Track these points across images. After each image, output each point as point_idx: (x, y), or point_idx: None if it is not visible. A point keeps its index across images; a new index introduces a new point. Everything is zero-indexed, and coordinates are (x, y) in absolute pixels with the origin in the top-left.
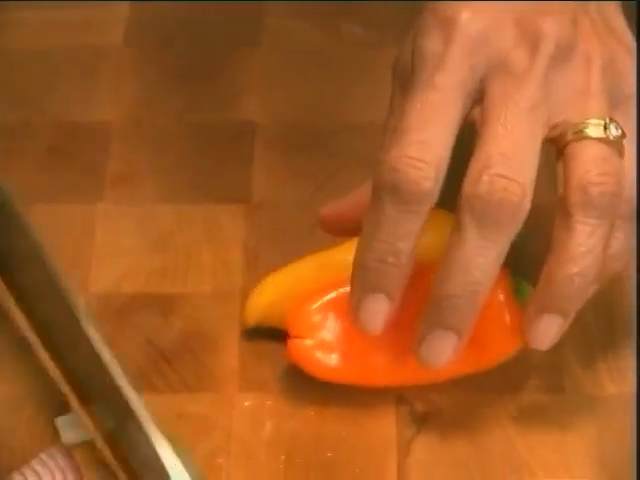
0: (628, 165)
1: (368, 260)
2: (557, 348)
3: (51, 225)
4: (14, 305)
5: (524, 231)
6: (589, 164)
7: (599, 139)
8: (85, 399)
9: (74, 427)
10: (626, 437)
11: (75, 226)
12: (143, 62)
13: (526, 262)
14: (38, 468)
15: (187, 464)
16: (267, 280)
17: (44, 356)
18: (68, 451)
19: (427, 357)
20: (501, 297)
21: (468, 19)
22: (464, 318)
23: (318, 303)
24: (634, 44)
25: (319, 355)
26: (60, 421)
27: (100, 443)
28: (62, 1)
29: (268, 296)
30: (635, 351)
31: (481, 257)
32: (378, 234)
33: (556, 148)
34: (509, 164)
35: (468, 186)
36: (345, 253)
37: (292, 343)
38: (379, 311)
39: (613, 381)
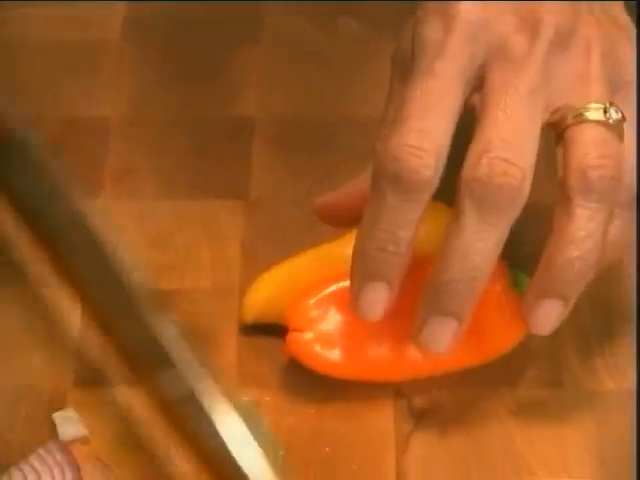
0: (628, 150)
1: (369, 249)
2: (556, 343)
3: None
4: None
5: (521, 219)
6: (589, 147)
7: (599, 122)
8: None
9: (72, 423)
10: (625, 432)
11: None
12: (142, 59)
13: (522, 254)
14: (36, 464)
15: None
16: (264, 277)
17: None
18: (66, 447)
19: (427, 343)
20: (499, 289)
21: (468, 7)
22: (463, 303)
23: (317, 297)
24: (634, 32)
25: (318, 349)
26: (58, 417)
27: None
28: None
29: (265, 293)
30: (635, 350)
31: (480, 242)
32: (379, 223)
33: (556, 132)
34: (509, 149)
35: (468, 170)
36: (343, 247)
37: (291, 337)
38: (379, 299)
39: (612, 376)
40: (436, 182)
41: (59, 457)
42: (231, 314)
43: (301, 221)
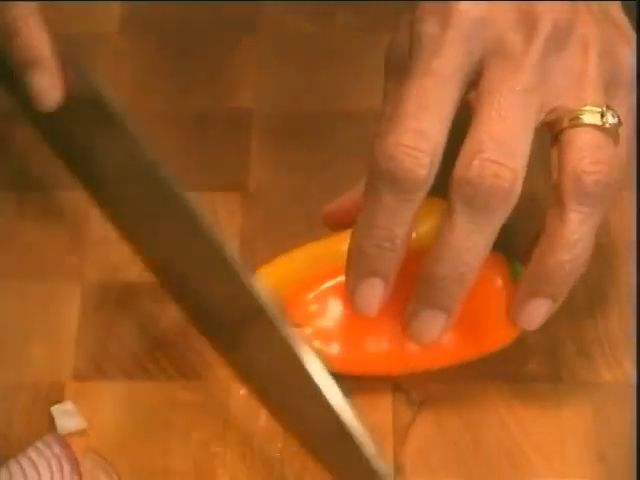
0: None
1: (365, 246)
2: (553, 336)
3: (47, 213)
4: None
5: (513, 213)
6: (584, 151)
7: (595, 126)
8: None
9: (70, 416)
10: (621, 423)
11: (71, 214)
12: (139, 51)
13: (513, 242)
14: (34, 457)
15: None
16: (261, 270)
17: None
18: (64, 440)
19: (417, 334)
20: (499, 283)
21: (466, 5)
22: (453, 298)
23: (315, 292)
24: (633, 34)
25: (317, 344)
26: (56, 410)
27: None
28: None
29: None
30: (635, 349)
31: (470, 241)
32: (375, 220)
33: (551, 134)
34: (501, 150)
35: (459, 170)
36: (340, 243)
37: None
38: (375, 294)
39: (609, 368)
40: (431, 180)
41: (57, 450)
42: None
43: (299, 213)
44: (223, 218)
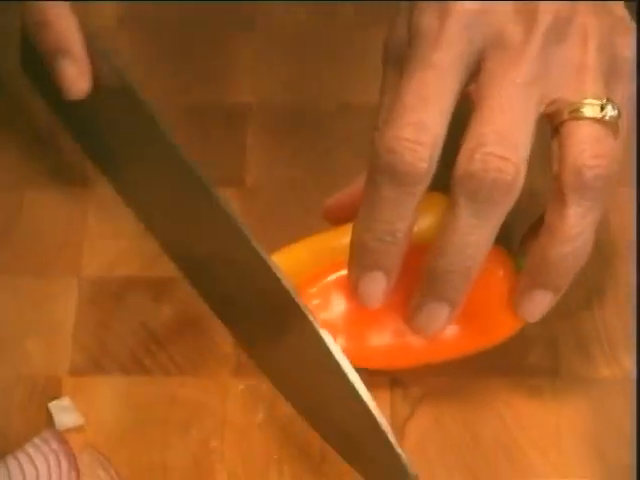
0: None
1: (367, 239)
2: (552, 331)
3: (44, 209)
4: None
5: (512, 206)
6: (584, 144)
7: (595, 119)
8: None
9: (68, 412)
10: (619, 419)
11: (68, 210)
12: (136, 45)
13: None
14: (31, 452)
15: None
16: None
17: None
18: (62, 436)
19: (421, 327)
20: (501, 276)
21: None
22: (457, 290)
23: (316, 287)
24: (634, 25)
25: None
26: (54, 406)
27: None
28: None
29: None
30: (635, 345)
31: (474, 235)
32: (376, 214)
33: (551, 126)
34: (503, 143)
35: (462, 164)
36: (340, 237)
37: None
38: (377, 288)
39: (608, 364)
40: (432, 172)
41: (55, 446)
42: None
43: (297, 207)
44: None
